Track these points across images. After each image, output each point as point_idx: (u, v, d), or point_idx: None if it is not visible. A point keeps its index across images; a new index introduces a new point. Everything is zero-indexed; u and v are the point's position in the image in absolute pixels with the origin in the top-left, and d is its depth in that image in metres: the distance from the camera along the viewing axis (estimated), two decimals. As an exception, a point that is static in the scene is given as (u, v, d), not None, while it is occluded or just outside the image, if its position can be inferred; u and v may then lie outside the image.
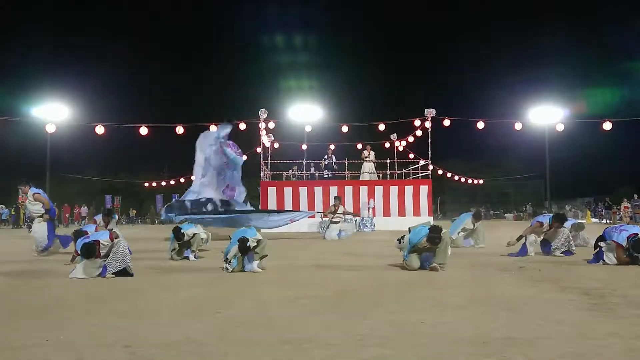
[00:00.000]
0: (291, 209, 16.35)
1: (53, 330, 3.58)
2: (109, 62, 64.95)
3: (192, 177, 11.26)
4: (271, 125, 25.25)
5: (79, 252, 6.50)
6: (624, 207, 32.45)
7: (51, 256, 9.86)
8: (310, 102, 32.43)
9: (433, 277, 6.25)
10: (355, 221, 19.79)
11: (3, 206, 35.29)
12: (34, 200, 10.00)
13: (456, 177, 37.37)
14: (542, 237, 8.74)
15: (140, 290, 5.43)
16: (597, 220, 33.59)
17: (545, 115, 33.35)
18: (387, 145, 27.29)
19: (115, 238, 6.59)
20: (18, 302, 4.86)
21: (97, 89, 58.23)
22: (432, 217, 22.07)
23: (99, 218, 10.87)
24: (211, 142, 14.16)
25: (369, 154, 23.21)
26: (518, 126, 26.17)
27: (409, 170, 24.43)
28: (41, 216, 9.96)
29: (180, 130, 23.85)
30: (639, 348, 3.05)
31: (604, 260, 7.27)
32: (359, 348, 3.09)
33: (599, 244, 7.48)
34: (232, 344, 3.20)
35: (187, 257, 8.61)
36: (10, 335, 3.48)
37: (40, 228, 9.90)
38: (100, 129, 23.27)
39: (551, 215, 8.75)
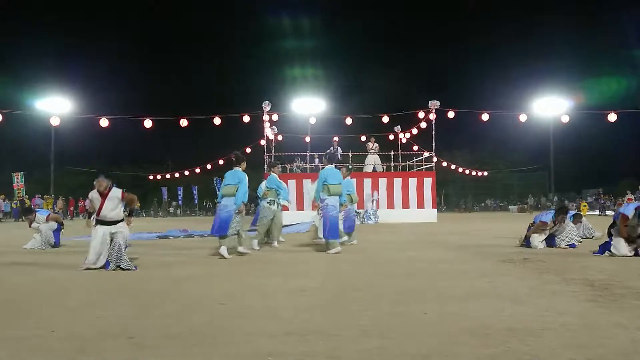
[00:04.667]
0: (294, 223, 16.51)
1: (59, 322, 3.60)
2: (112, 55, 64.93)
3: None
4: (275, 117, 25.22)
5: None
6: (628, 199, 32.34)
7: (54, 249, 9.93)
8: (314, 94, 32.39)
9: (436, 268, 6.26)
10: (359, 213, 19.80)
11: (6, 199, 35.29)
12: (47, 221, 10.22)
13: (460, 169, 37.24)
14: (547, 235, 8.73)
15: (145, 282, 5.46)
16: (599, 212, 33.43)
17: (550, 107, 33.25)
18: (391, 137, 27.25)
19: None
20: (24, 294, 4.89)
21: (101, 82, 58.30)
22: (435, 209, 22.09)
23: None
24: None
25: (373, 146, 23.18)
26: (522, 118, 26.05)
27: (413, 162, 24.39)
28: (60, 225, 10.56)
29: (184, 123, 23.85)
30: (642, 339, 3.04)
31: (610, 252, 7.25)
32: (362, 339, 3.09)
33: (611, 231, 7.49)
34: (236, 335, 3.22)
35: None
36: (16, 327, 3.50)
37: (49, 229, 10.06)
38: (104, 122, 23.31)
39: (553, 211, 8.71)
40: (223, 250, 7.80)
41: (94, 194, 6.77)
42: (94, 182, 6.76)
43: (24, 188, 35.05)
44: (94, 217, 6.91)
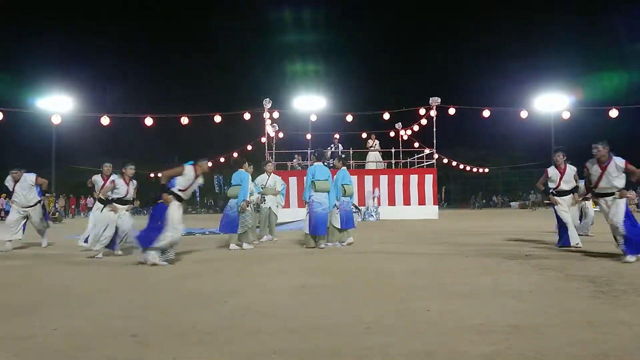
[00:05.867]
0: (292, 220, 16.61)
1: (60, 319, 3.60)
2: (113, 53, 64.90)
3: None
4: (276, 115, 25.19)
5: None
6: (629, 195, 32.26)
7: (56, 247, 9.94)
8: (314, 91, 32.35)
9: (439, 265, 6.26)
10: (360, 210, 19.82)
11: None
12: (36, 182, 9.61)
13: (461, 166, 37.23)
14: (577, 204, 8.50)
15: (149, 281, 5.46)
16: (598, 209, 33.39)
17: (551, 103, 33.18)
18: (392, 134, 27.22)
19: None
20: (27, 292, 4.90)
21: (102, 80, 58.30)
22: (437, 206, 22.08)
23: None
24: None
25: (374, 143, 23.16)
26: (524, 114, 26.00)
27: (414, 159, 24.37)
28: (38, 202, 9.76)
29: (185, 120, 23.84)
30: (645, 335, 3.04)
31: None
32: (365, 336, 3.09)
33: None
34: (239, 333, 3.22)
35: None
36: (19, 325, 3.50)
37: (38, 217, 9.80)
38: (105, 120, 23.30)
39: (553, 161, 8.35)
40: (232, 246, 8.54)
41: (118, 179, 8.10)
42: (127, 168, 8.17)
43: None
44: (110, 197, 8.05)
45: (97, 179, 8.69)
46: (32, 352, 2.89)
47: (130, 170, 8.17)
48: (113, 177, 8.27)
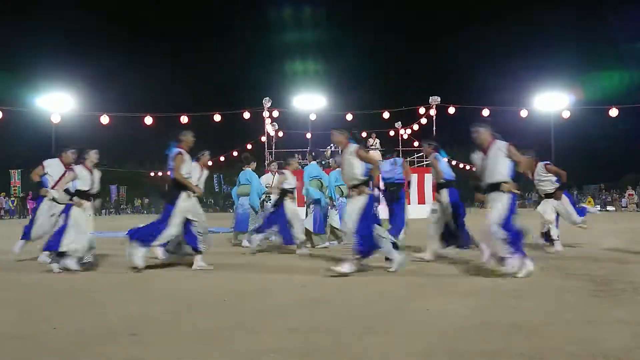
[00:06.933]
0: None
1: (60, 319, 3.60)
2: (113, 52, 64.97)
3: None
4: (275, 114, 25.18)
5: None
6: (629, 194, 32.27)
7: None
8: (314, 90, 32.30)
9: (438, 265, 6.25)
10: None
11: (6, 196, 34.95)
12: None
13: (461, 165, 37.18)
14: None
15: (147, 280, 5.46)
16: (599, 208, 33.34)
17: (551, 102, 33.15)
18: (392, 133, 27.20)
19: None
20: (25, 292, 4.90)
21: (101, 79, 58.23)
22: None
23: None
24: None
25: (374, 142, 23.14)
26: (524, 113, 25.98)
27: (414, 158, 24.37)
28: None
29: (184, 119, 23.82)
30: (645, 334, 3.04)
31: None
32: (365, 335, 3.09)
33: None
34: (239, 333, 3.21)
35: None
36: (19, 324, 3.50)
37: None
38: (105, 119, 23.27)
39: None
40: (245, 243, 8.65)
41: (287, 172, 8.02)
42: (290, 161, 8.19)
43: (20, 186, 34.81)
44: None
45: (195, 166, 7.22)
46: (32, 352, 2.89)
47: (295, 163, 8.29)
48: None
